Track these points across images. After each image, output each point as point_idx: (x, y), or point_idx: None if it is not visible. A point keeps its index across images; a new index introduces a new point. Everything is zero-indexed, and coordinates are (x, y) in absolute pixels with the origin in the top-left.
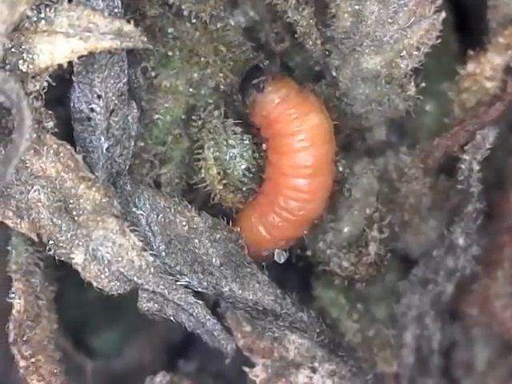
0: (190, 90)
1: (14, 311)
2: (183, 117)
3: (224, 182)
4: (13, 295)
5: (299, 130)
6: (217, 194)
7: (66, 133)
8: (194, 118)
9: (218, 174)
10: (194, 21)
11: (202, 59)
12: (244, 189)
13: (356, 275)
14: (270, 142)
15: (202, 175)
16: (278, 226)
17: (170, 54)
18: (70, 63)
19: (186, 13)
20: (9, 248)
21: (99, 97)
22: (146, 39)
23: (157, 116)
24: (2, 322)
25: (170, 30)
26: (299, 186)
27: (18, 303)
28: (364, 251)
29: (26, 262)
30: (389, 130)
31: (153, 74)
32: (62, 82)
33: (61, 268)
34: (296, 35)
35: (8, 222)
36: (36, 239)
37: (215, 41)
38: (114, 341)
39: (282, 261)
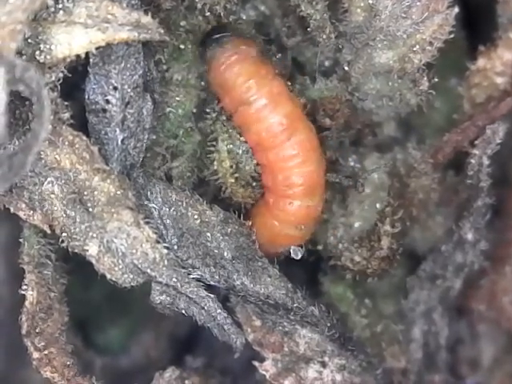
0: (202, 83)
1: (26, 303)
2: (194, 110)
3: (236, 175)
4: (25, 287)
5: (259, 95)
6: (228, 187)
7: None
8: (207, 110)
9: (231, 167)
10: (207, 14)
11: None
12: (254, 184)
13: (368, 270)
14: (237, 118)
15: (215, 167)
16: (288, 210)
17: (182, 47)
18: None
19: (199, 6)
20: (21, 240)
21: (115, 88)
22: (163, 31)
23: (169, 109)
24: (3, 321)
25: (183, 23)
26: (287, 153)
27: (30, 295)
28: (376, 245)
29: (38, 254)
30: (397, 125)
31: (164, 67)
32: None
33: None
34: (308, 29)
35: (20, 214)
36: (48, 231)
37: None
38: (120, 337)
39: (299, 256)
